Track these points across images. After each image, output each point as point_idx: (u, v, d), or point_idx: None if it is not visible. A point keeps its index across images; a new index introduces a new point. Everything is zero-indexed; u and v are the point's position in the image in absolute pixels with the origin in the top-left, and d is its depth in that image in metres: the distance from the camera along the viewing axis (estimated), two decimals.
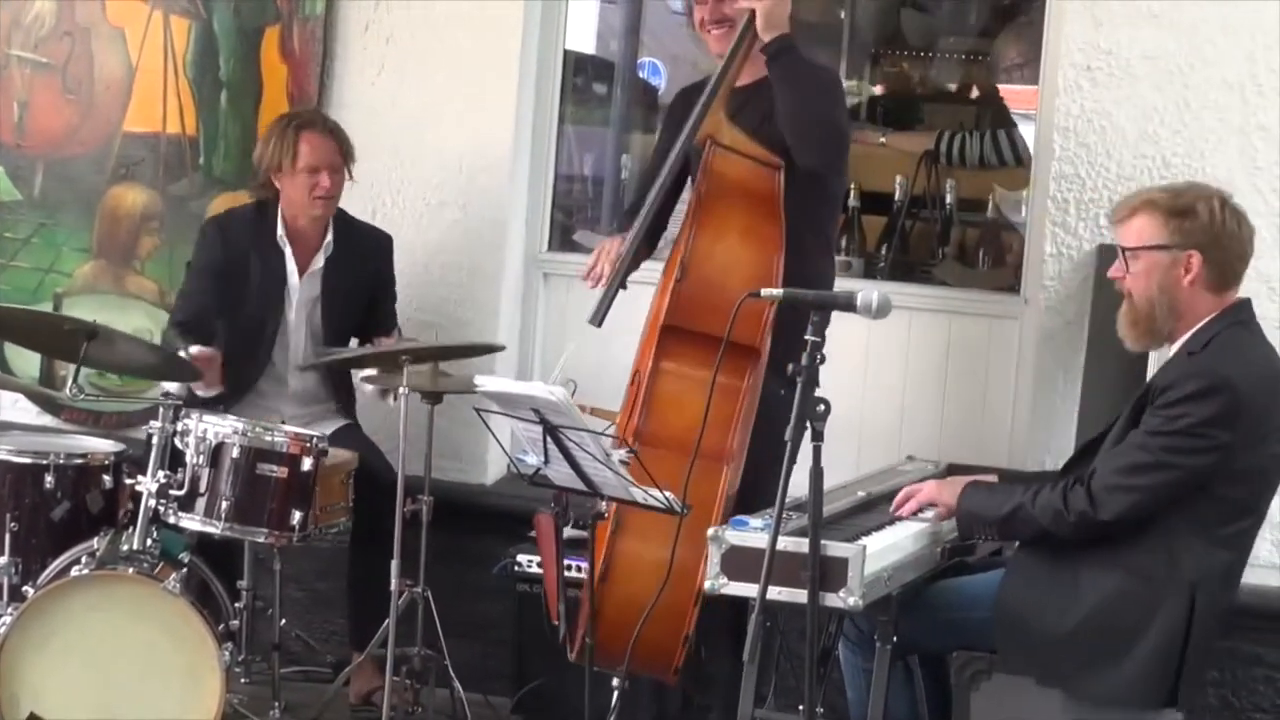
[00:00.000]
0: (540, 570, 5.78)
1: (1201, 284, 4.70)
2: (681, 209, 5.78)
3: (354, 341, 6.37)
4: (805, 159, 5.48)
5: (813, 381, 4.25)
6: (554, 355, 6.95)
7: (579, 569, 5.28)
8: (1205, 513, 4.62)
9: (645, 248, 5.82)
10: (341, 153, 6.36)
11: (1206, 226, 4.69)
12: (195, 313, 6.28)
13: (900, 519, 4.96)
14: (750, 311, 5.05)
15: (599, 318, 5.63)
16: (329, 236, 6.36)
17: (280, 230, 6.31)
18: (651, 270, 5.79)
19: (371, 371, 5.96)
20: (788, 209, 5.42)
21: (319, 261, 6.34)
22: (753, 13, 5.50)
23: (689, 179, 5.71)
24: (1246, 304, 4.80)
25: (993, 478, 5.15)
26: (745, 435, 5.33)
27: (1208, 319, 4.72)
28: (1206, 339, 4.69)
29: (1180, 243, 4.69)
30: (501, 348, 5.98)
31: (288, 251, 6.32)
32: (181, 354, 5.79)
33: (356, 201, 6.67)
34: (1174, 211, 4.72)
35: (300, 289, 6.33)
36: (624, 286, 5.69)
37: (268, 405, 6.28)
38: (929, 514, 4.98)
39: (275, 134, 6.35)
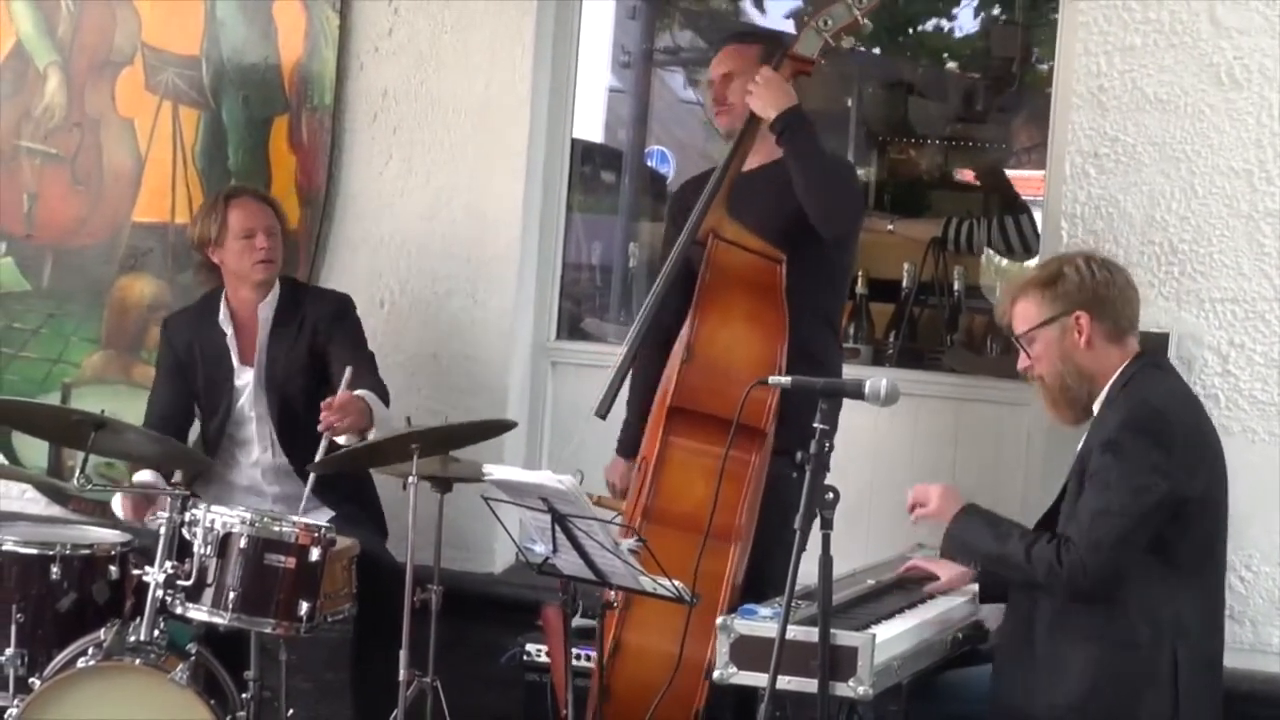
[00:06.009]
0: (548, 660, 5.76)
1: (1099, 340, 4.81)
2: None
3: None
4: (827, 227, 5.56)
5: (821, 469, 4.25)
6: (563, 443, 6.96)
7: (588, 658, 5.26)
8: (1162, 563, 4.64)
9: (658, 351, 5.80)
10: (277, 216, 6.38)
11: (1079, 284, 4.82)
12: (157, 412, 6.34)
13: (913, 605, 4.95)
14: (757, 395, 5.07)
15: (604, 409, 5.64)
16: (269, 302, 6.31)
17: (223, 314, 6.30)
18: None
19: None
20: (793, 294, 5.46)
21: (263, 335, 6.30)
22: (752, 114, 5.58)
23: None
24: (1152, 350, 4.85)
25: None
26: (753, 515, 5.35)
27: (1118, 372, 4.80)
28: (1121, 385, 4.78)
29: (1063, 309, 4.81)
30: (513, 424, 5.96)
31: (229, 334, 6.30)
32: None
33: (363, 291, 6.69)
34: (1044, 283, 4.87)
35: (248, 370, 6.29)
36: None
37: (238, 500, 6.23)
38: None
39: (205, 209, 6.40)
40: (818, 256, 5.59)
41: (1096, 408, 4.83)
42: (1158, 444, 4.59)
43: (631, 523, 5.34)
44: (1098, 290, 4.80)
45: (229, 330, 6.31)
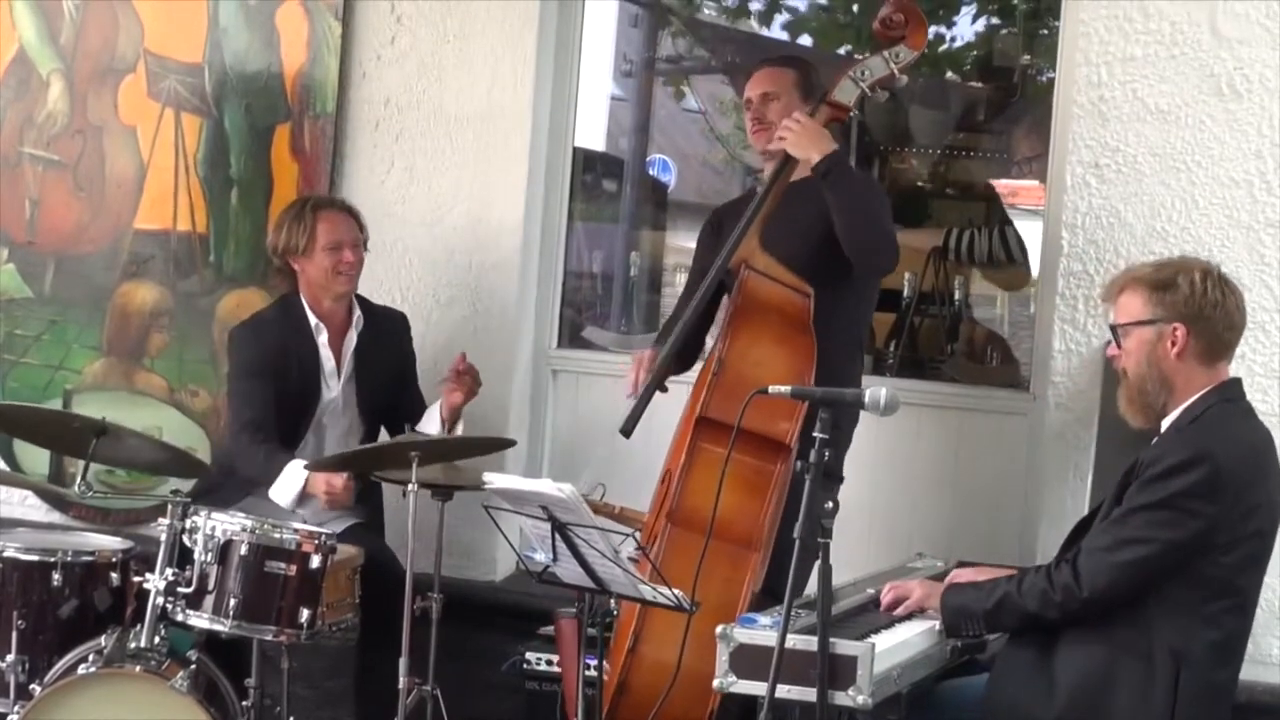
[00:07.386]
0: (550, 669, 5.78)
1: (1191, 356, 4.73)
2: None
3: (383, 431, 6.41)
4: (863, 266, 5.66)
5: (821, 478, 4.25)
6: (564, 452, 6.97)
7: (588, 666, 5.28)
8: (1185, 588, 4.59)
9: (677, 364, 5.89)
10: (359, 227, 6.37)
11: (1188, 298, 4.72)
12: (260, 409, 6.19)
13: (912, 615, 4.94)
14: (784, 410, 5.23)
15: (629, 427, 5.67)
16: (356, 313, 6.36)
17: (313, 321, 6.28)
18: (683, 378, 5.89)
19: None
20: (824, 316, 5.54)
21: (351, 341, 6.33)
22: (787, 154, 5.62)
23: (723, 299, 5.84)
24: (1236, 383, 4.83)
25: (991, 573, 5.15)
26: (775, 526, 5.39)
27: (1198, 395, 4.73)
28: (1195, 415, 4.71)
29: (1164, 316, 4.72)
30: (512, 442, 5.98)
31: (323, 338, 6.29)
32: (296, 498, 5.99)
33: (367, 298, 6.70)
34: (1156, 286, 4.76)
35: (338, 372, 6.31)
36: (664, 389, 5.78)
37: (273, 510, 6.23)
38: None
39: (290, 217, 6.32)
40: (849, 278, 5.66)
41: (1165, 424, 4.80)
42: (1198, 487, 4.53)
43: (657, 526, 5.43)
44: (1204, 309, 4.71)
45: (322, 335, 6.30)
